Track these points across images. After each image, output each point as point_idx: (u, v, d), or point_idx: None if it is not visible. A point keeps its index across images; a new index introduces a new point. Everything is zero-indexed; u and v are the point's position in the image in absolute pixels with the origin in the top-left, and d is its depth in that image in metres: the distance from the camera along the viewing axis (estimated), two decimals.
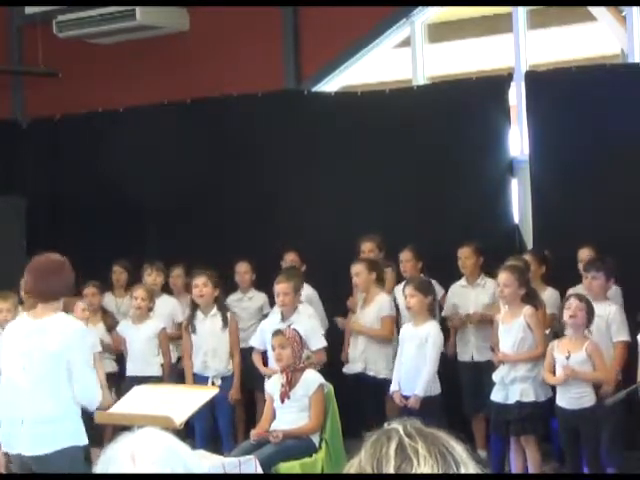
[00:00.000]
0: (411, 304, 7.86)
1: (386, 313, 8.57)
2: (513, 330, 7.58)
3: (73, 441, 5.86)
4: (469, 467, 1.78)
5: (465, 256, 8.71)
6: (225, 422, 8.72)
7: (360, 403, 8.36)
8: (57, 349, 5.76)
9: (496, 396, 7.65)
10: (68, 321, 5.95)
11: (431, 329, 7.86)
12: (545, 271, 8.48)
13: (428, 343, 7.80)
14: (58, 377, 5.80)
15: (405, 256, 8.92)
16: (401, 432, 1.78)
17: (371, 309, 8.65)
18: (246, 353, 8.90)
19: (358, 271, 8.63)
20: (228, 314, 8.74)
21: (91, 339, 6.66)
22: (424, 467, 1.73)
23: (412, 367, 7.84)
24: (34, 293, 6.01)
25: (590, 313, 7.25)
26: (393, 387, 7.94)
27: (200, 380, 8.67)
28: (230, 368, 8.74)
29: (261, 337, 8.35)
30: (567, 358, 7.18)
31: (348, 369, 8.75)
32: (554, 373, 7.33)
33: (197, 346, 8.75)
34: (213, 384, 8.53)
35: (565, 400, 7.25)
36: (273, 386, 7.41)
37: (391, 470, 1.73)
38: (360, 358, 8.62)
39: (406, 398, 7.81)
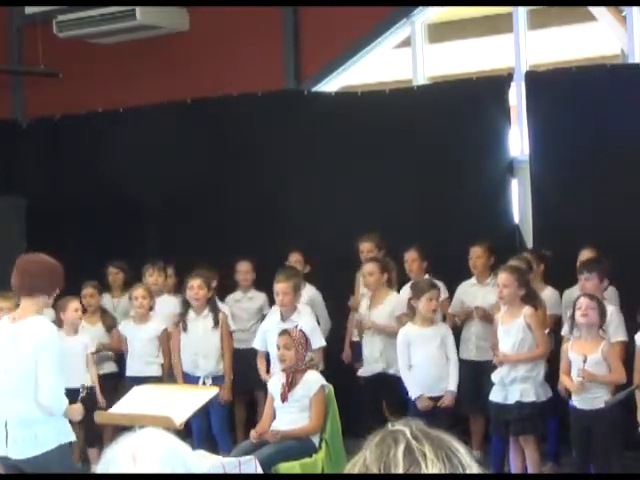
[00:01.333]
0: (435, 307, 7.95)
1: (403, 311, 8.55)
2: (513, 331, 7.57)
3: (58, 441, 5.86)
4: (473, 469, 1.78)
5: (477, 255, 8.69)
6: (218, 422, 8.67)
7: (379, 403, 8.39)
8: (30, 351, 5.76)
9: (495, 396, 7.65)
10: (39, 323, 5.90)
11: (445, 329, 8.07)
12: (544, 270, 8.48)
13: (448, 342, 7.95)
14: (36, 379, 5.79)
15: (411, 256, 8.90)
16: (408, 435, 1.78)
17: (384, 308, 8.60)
18: (246, 353, 8.89)
19: (372, 271, 8.60)
20: (220, 315, 8.71)
21: (60, 343, 6.41)
22: (432, 470, 1.73)
23: (435, 367, 7.91)
24: (16, 288, 6.01)
25: (602, 312, 7.24)
26: (415, 392, 7.92)
27: (191, 380, 8.64)
28: (221, 368, 8.70)
29: (262, 338, 8.33)
30: (584, 362, 7.12)
31: (365, 371, 8.64)
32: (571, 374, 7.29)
33: (187, 346, 8.73)
34: (204, 384, 8.53)
35: (580, 400, 7.23)
36: (274, 386, 7.40)
37: (401, 473, 1.73)
38: (381, 358, 8.53)
39: (432, 399, 7.86)
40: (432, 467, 1.73)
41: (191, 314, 8.74)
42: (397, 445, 1.76)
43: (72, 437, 5.98)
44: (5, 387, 5.84)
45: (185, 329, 8.74)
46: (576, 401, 7.26)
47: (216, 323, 8.66)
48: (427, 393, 7.90)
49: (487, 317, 8.41)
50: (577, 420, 7.29)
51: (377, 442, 1.79)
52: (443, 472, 1.74)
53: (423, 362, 7.93)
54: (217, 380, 8.57)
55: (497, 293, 7.78)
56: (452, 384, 7.91)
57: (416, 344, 7.96)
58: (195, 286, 8.63)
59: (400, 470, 1.73)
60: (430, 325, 7.97)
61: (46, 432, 5.82)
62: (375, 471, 1.74)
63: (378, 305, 8.65)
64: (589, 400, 7.19)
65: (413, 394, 7.92)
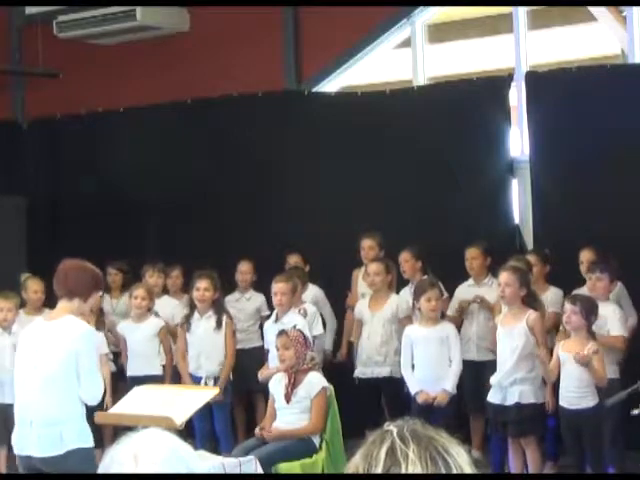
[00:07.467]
0: (434, 307, 7.91)
1: (405, 314, 8.49)
2: (514, 333, 7.52)
3: (79, 443, 5.87)
4: (465, 472, 1.78)
5: (473, 256, 8.69)
6: (222, 423, 8.68)
7: (380, 405, 8.44)
8: (65, 351, 5.79)
9: (493, 397, 7.63)
10: (76, 323, 5.95)
11: (450, 329, 7.99)
12: (548, 270, 8.48)
13: (451, 342, 7.90)
14: (66, 379, 5.82)
15: (404, 257, 8.88)
16: (395, 435, 1.79)
17: (385, 310, 8.57)
18: (244, 354, 8.91)
19: (378, 271, 8.59)
20: (224, 317, 8.70)
21: (98, 341, 6.69)
22: (411, 472, 1.73)
23: (434, 367, 7.88)
24: (56, 289, 6.12)
25: (590, 312, 7.24)
26: (415, 389, 7.91)
27: (194, 380, 8.66)
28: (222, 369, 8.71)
29: (265, 338, 8.38)
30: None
31: (366, 373, 8.61)
32: (559, 374, 7.31)
33: (191, 346, 8.74)
34: (206, 384, 8.53)
35: (567, 400, 7.24)
36: (275, 386, 7.41)
37: (379, 472, 1.74)
38: (388, 362, 8.48)
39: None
40: (412, 468, 1.74)
41: (196, 315, 8.74)
42: (382, 445, 1.78)
43: (91, 443, 5.96)
44: (32, 384, 5.86)
45: (189, 330, 8.75)
46: (563, 401, 7.26)
47: (219, 325, 8.66)
48: (429, 392, 7.89)
49: (485, 304, 8.42)
50: (566, 420, 7.31)
51: (369, 442, 1.80)
52: (423, 473, 1.74)
53: (423, 362, 7.92)
54: (219, 381, 8.58)
55: (498, 292, 7.75)
56: (448, 384, 7.84)
57: (418, 344, 7.94)
58: (202, 288, 8.62)
59: (379, 469, 1.74)
60: (433, 325, 7.95)
61: (70, 432, 5.84)
62: (361, 470, 1.76)
63: (381, 307, 8.62)
64: (576, 399, 7.19)
65: (413, 390, 7.92)
